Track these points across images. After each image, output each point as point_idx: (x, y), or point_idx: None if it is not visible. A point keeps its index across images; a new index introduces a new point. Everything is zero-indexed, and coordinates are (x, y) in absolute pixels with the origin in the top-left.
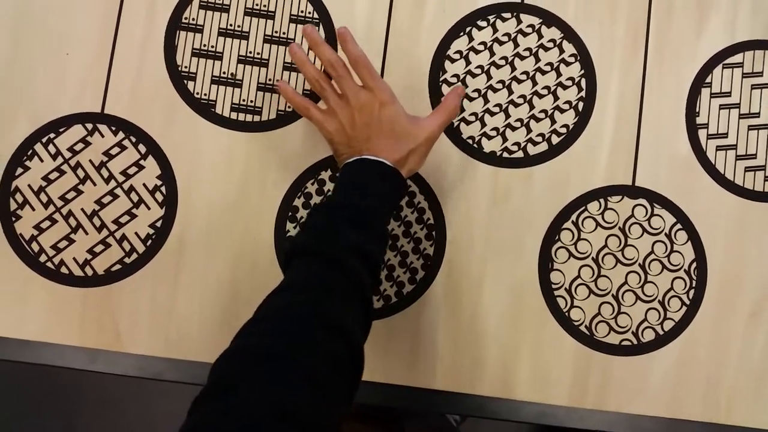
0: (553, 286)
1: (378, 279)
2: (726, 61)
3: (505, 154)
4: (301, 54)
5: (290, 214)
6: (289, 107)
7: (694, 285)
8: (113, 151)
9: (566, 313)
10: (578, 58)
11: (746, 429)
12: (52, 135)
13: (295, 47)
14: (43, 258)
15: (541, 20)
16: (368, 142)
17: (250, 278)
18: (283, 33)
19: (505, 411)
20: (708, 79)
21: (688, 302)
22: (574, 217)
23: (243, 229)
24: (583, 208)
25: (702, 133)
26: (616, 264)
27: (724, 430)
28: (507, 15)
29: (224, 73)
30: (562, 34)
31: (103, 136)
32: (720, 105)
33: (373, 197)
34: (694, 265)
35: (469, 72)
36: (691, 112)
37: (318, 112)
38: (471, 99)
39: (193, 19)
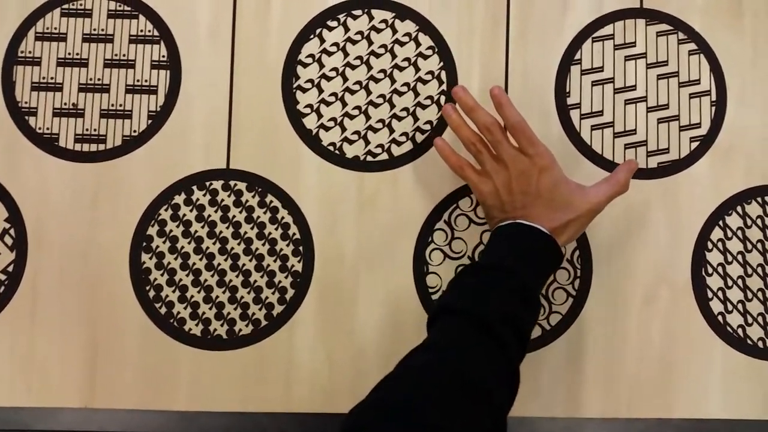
0: (430, 291)
1: (525, 350)
2: (595, 35)
3: (369, 158)
4: (456, 117)
5: (145, 244)
6: (134, 132)
7: (579, 274)
8: None
9: None
10: (436, 50)
11: (650, 420)
12: None
13: (450, 109)
14: None
15: (394, 14)
16: (524, 210)
17: (109, 315)
18: (123, 55)
19: None
20: (577, 56)
21: (574, 293)
22: (446, 216)
23: (97, 264)
24: (455, 205)
25: (574, 114)
26: None
27: (627, 425)
28: (358, 12)
29: (65, 103)
30: (417, 27)
31: None
32: (592, 81)
33: (527, 264)
34: (577, 253)
35: (323, 75)
36: (561, 92)
37: (474, 174)
38: (328, 104)
39: (30, 52)
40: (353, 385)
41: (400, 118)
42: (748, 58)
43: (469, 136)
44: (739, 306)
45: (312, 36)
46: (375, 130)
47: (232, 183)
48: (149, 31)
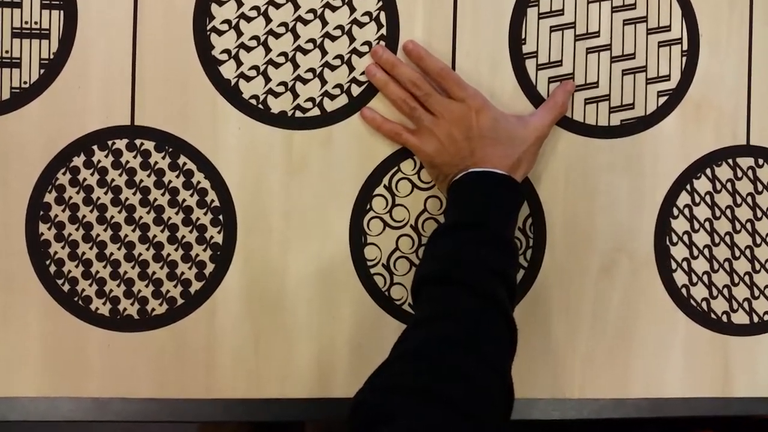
0: (369, 263)
1: (515, 293)
2: None
3: (298, 113)
4: (381, 75)
5: (42, 213)
6: (25, 83)
7: (531, 244)
8: None
9: (386, 293)
10: None
11: (604, 400)
12: None
13: (373, 69)
14: None
15: None
16: (473, 156)
17: (5, 294)
18: None
19: (326, 410)
20: None
21: (526, 264)
22: (386, 181)
23: None
24: (396, 168)
25: (530, 64)
26: None
27: (580, 405)
28: None
29: None
30: None
31: None
32: (551, 27)
33: (493, 211)
34: (530, 221)
35: (242, 15)
36: (516, 39)
37: (412, 137)
38: (249, 49)
39: None
40: (282, 369)
41: (333, 68)
42: (725, 1)
43: (398, 93)
44: (704, 278)
45: None
46: (304, 81)
47: (138, 142)
48: None
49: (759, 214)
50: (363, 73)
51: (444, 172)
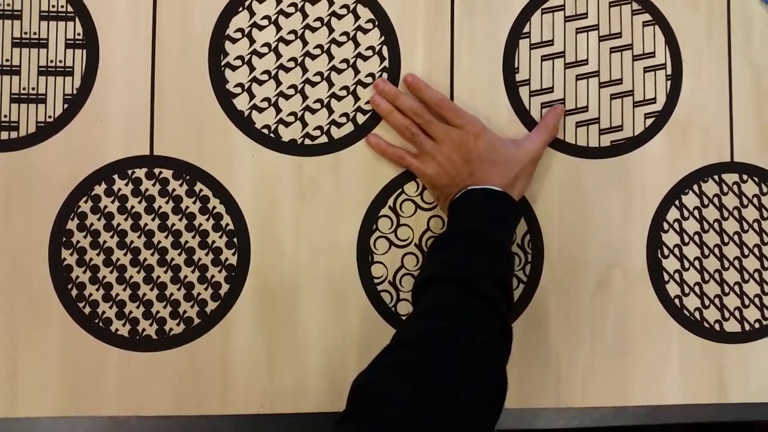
0: (376, 281)
1: (511, 299)
2: (545, 6)
3: (307, 141)
4: (385, 104)
5: (64, 239)
6: (49, 117)
7: (530, 260)
8: None
9: (393, 309)
10: (376, 23)
11: (605, 408)
12: None
13: (378, 99)
14: None
15: None
16: (472, 177)
17: (29, 316)
18: (35, 33)
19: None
20: (526, 29)
21: (525, 279)
22: (391, 202)
23: (12, 262)
24: (400, 190)
25: (523, 91)
26: None
27: (582, 414)
28: None
29: None
30: None
31: None
32: (542, 56)
33: (491, 223)
34: (528, 237)
35: (254, 52)
36: (509, 68)
37: (415, 160)
38: (261, 83)
39: None
40: (295, 385)
41: (339, 98)
42: (704, 29)
43: (401, 120)
44: (696, 288)
45: (241, 8)
46: (313, 111)
47: (156, 171)
48: (62, 6)
49: (745, 226)
50: (368, 102)
51: (445, 192)
